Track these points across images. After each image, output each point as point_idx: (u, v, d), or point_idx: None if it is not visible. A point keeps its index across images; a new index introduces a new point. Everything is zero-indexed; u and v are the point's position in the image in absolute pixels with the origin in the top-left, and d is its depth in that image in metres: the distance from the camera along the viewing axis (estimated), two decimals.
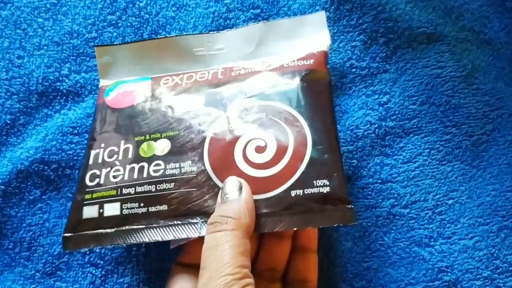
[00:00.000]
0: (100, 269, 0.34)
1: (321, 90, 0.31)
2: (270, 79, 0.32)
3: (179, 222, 0.29)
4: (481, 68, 0.36)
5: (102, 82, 0.34)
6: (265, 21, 0.36)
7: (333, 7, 0.37)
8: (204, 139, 0.30)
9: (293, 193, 0.28)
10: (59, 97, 0.36)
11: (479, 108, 0.36)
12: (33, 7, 0.36)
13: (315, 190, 0.28)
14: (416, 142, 0.36)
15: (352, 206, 0.28)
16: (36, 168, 0.34)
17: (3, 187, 0.34)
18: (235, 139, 0.30)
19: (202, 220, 0.28)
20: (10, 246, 0.34)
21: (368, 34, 0.36)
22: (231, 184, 0.27)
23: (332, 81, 0.35)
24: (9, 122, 0.35)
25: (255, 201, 0.28)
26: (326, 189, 0.28)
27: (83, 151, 0.35)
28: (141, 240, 0.29)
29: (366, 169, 0.35)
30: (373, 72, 0.36)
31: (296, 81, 0.31)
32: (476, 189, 0.35)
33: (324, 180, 0.28)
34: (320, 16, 0.33)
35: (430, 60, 0.36)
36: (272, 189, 0.28)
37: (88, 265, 0.34)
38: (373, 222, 0.35)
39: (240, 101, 0.31)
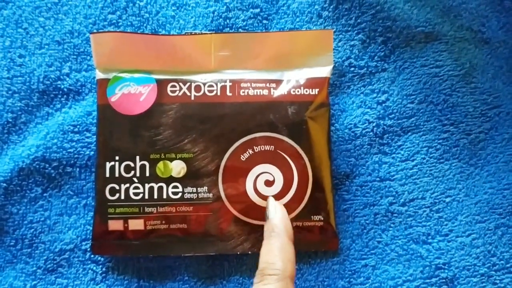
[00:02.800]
0: (101, 266, 0.34)
1: (322, 124, 0.34)
2: (278, 109, 0.33)
3: (198, 239, 0.33)
4: (479, 67, 0.37)
5: (99, 74, 0.34)
6: (271, 30, 0.37)
7: (332, 6, 0.37)
8: (218, 166, 0.33)
9: (294, 224, 0.33)
10: (60, 96, 0.36)
11: (477, 107, 0.36)
12: (34, 7, 0.37)
13: (312, 223, 0.33)
14: (414, 141, 0.36)
15: (338, 237, 0.34)
16: (37, 166, 0.34)
17: (4, 184, 0.34)
18: (247, 170, 0.33)
19: (219, 239, 0.33)
20: (11, 243, 0.34)
21: (366, 33, 0.37)
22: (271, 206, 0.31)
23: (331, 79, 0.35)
24: (10, 120, 0.35)
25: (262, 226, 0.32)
26: (320, 223, 0.33)
27: (84, 149, 0.35)
28: (164, 253, 0.33)
29: (364, 167, 0.36)
30: (372, 71, 0.37)
31: (301, 115, 0.33)
32: (474, 187, 0.35)
33: (320, 216, 0.33)
34: (328, 35, 0.34)
35: (428, 59, 0.37)
36: None
37: (89, 262, 0.34)
38: (371, 220, 0.35)
39: (250, 130, 0.33)
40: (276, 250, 0.28)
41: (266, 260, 0.28)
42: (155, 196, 0.33)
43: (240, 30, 0.37)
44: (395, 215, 0.35)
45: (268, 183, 0.33)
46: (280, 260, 0.27)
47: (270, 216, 0.30)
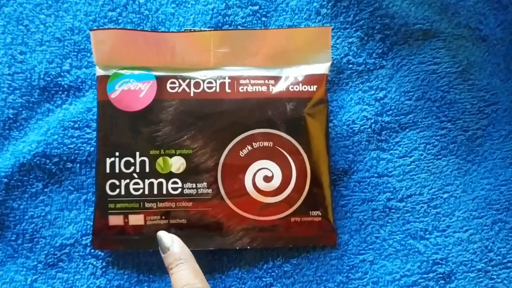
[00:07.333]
0: (101, 261, 0.34)
1: (321, 121, 0.34)
2: (276, 105, 0.34)
3: (197, 234, 0.33)
4: (477, 64, 0.37)
5: (100, 71, 0.34)
6: (270, 27, 0.37)
7: (330, 4, 0.37)
8: (217, 163, 0.33)
9: (292, 219, 0.33)
10: (60, 92, 0.36)
11: (474, 104, 0.37)
12: (35, 4, 0.37)
13: (310, 219, 0.34)
14: (412, 137, 0.36)
15: (336, 232, 0.34)
16: (38, 162, 0.35)
17: (5, 180, 0.35)
18: (246, 166, 0.33)
19: (218, 234, 0.33)
20: (12, 238, 0.34)
21: (364, 31, 0.37)
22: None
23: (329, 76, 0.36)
24: (11, 116, 0.36)
25: (263, 221, 0.33)
26: (318, 219, 0.34)
27: (84, 145, 0.35)
28: None
29: (362, 163, 0.36)
30: (370, 68, 0.37)
31: (300, 112, 0.34)
32: (471, 183, 0.36)
33: (318, 211, 0.34)
34: (326, 32, 0.34)
35: (426, 56, 0.37)
36: (276, 214, 0.33)
37: (89, 257, 0.34)
38: (369, 216, 0.35)
39: (249, 126, 0.33)
40: (192, 274, 0.28)
41: (186, 283, 0.28)
42: (155, 192, 0.33)
43: (239, 27, 0.37)
44: (393, 210, 0.35)
45: (267, 179, 0.33)
46: (199, 281, 0.28)
47: (168, 246, 0.30)
